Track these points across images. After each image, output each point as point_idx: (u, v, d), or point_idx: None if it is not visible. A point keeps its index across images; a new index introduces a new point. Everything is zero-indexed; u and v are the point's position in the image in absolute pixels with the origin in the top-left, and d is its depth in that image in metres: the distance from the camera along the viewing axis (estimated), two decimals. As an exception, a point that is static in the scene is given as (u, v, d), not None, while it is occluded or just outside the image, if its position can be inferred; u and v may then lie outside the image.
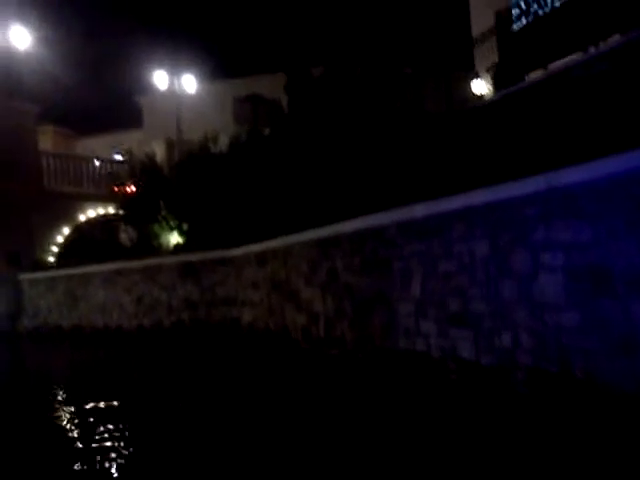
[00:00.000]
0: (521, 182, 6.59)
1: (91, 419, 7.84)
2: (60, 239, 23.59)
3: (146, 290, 17.60)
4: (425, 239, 8.25)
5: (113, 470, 5.66)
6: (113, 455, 6.07)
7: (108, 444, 6.51)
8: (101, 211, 24.51)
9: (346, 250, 10.30)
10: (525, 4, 21.34)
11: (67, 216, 24.11)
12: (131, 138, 29.41)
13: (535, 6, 21.17)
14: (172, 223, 19.56)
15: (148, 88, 30.00)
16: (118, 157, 24.37)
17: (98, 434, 6.92)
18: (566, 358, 6.01)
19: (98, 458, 5.98)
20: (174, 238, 19.65)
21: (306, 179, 13.51)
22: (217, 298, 15.73)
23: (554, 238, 6.13)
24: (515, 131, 9.78)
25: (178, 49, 29.92)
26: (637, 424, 5.27)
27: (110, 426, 7.20)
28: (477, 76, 22.73)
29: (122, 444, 6.50)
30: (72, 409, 8.69)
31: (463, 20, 24.40)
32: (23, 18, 23.59)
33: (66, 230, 23.80)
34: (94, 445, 6.50)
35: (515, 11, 21.47)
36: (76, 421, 7.90)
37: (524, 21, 21.37)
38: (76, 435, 7.21)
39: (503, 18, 22.31)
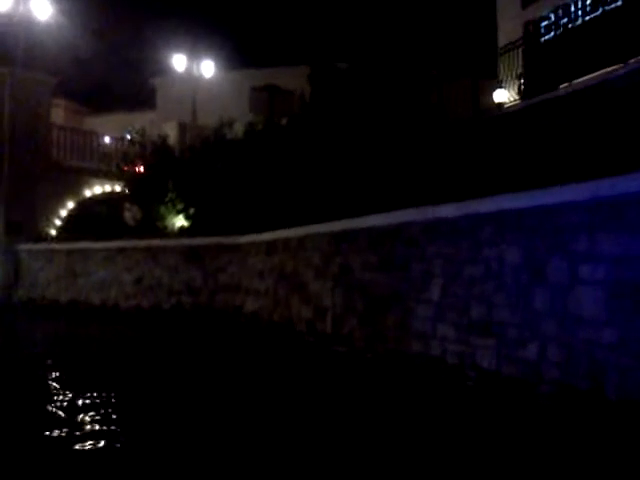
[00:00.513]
0: (563, 189, 6.31)
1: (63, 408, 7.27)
2: (64, 213, 23.23)
3: (147, 271, 17.31)
4: (451, 241, 7.97)
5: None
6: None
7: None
8: (107, 188, 24.16)
9: (362, 246, 10.02)
10: (555, 17, 21.11)
11: (73, 190, 23.75)
12: (142, 119, 29.01)
13: (565, 19, 20.95)
14: (179, 206, 19.27)
15: (164, 70, 29.73)
16: (129, 136, 23.97)
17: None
18: (599, 375, 5.73)
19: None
20: (179, 221, 19.36)
21: (324, 171, 13.23)
22: (220, 284, 15.44)
23: (597, 250, 5.85)
24: (547, 140, 9.52)
25: (198, 34, 29.51)
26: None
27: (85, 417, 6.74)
28: (500, 85, 22.54)
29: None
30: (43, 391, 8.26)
31: (491, 28, 24.20)
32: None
33: (71, 204, 23.44)
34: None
35: (544, 23, 21.26)
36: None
37: (553, 34, 21.15)
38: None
39: (531, 29, 22.10)
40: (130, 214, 21.72)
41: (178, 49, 27.50)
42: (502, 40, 23.40)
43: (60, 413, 6.76)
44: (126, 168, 21.63)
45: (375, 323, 9.39)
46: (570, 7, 20.03)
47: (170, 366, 10.19)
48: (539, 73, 19.60)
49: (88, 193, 24.08)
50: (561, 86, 16.01)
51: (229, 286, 15.29)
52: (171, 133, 24.06)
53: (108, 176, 23.40)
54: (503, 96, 21.97)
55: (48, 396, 7.58)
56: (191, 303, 15.97)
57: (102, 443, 5.65)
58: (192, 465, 5.20)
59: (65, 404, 7.18)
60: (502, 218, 7.15)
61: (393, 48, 17.40)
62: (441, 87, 16.62)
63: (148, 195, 19.97)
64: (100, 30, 31.76)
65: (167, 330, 14.90)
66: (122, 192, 22.47)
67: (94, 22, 31.48)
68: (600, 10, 18.34)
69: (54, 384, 8.48)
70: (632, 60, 12.35)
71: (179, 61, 26.78)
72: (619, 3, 17.93)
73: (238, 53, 30.26)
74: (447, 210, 8.09)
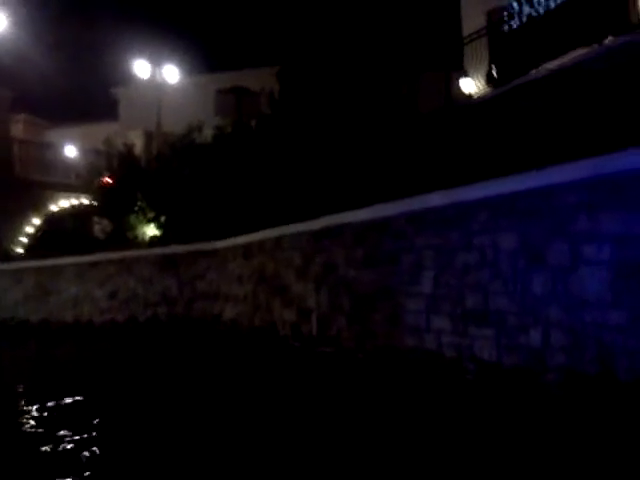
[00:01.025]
0: (561, 168, 6.05)
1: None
2: (30, 229, 22.54)
3: (121, 284, 16.77)
4: (440, 230, 7.69)
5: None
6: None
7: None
8: (74, 202, 23.52)
9: (346, 242, 9.70)
10: (518, 5, 21.08)
11: (38, 206, 23.08)
12: (106, 130, 28.36)
13: (527, 8, 20.95)
14: (150, 214, 18.78)
15: (126, 78, 29.11)
16: (94, 148, 23.38)
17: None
18: (608, 359, 5.48)
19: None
20: (151, 230, 18.86)
21: (299, 169, 12.90)
22: (198, 292, 14.98)
23: (599, 229, 5.60)
24: (524, 124, 9.35)
25: (159, 40, 29.03)
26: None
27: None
28: (466, 75, 22.41)
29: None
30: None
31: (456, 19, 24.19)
32: (-1, 0, 22.60)
33: (37, 220, 22.76)
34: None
35: (506, 12, 21.23)
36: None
37: (516, 22, 21.15)
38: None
39: (494, 18, 22.08)
40: (100, 227, 21.14)
41: (140, 55, 26.91)
42: (466, 29, 23.35)
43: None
44: (93, 180, 21.05)
45: (364, 321, 9.06)
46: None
47: (149, 381, 9.70)
48: (508, 58, 19.55)
49: (54, 208, 23.42)
50: (532, 71, 15.94)
51: (207, 293, 14.84)
52: (137, 142, 23.52)
53: (74, 189, 22.78)
54: (470, 85, 21.87)
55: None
56: (167, 314, 15.48)
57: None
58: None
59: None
60: (494, 203, 6.89)
61: (360, 44, 17.16)
62: (413, 80, 16.46)
63: (117, 206, 19.43)
64: (58, 41, 31.07)
65: (143, 343, 14.38)
66: (90, 205, 21.85)
67: (52, 34, 30.79)
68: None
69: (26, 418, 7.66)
70: (607, 40, 12.28)
71: (142, 68, 26.20)
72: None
73: (202, 57, 29.83)
74: (434, 199, 7.81)
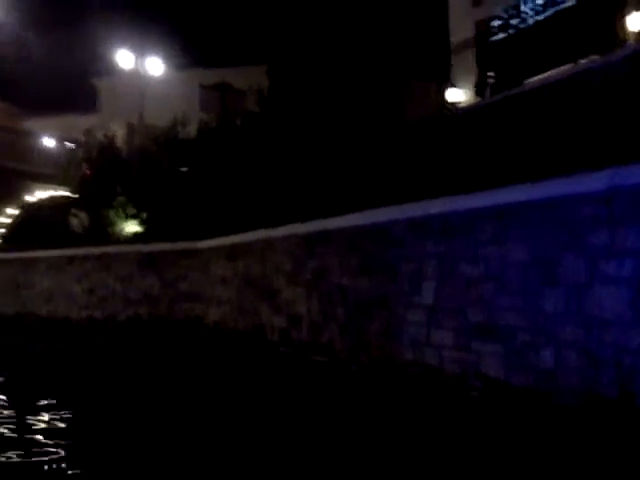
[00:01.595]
0: (577, 178, 5.77)
1: None
2: (5, 220, 21.87)
3: (99, 280, 16.29)
4: (443, 239, 7.38)
5: None
6: None
7: None
8: (51, 193, 22.87)
9: (340, 248, 9.37)
10: (507, 17, 21.04)
11: (12, 196, 22.41)
12: (86, 122, 27.73)
13: (516, 20, 20.90)
14: (130, 210, 18.24)
15: (108, 69, 28.43)
16: (73, 139, 22.79)
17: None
18: (629, 383, 5.20)
19: None
20: (132, 226, 18.32)
21: (288, 170, 12.53)
22: (180, 293, 14.56)
23: (620, 244, 5.33)
24: (517, 136, 9.11)
25: (143, 31, 28.32)
26: None
27: None
28: (452, 85, 22.31)
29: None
30: None
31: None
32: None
33: (12, 210, 22.09)
34: None
35: (495, 23, 21.15)
36: None
37: (502, 34, 21.13)
38: None
39: (482, 29, 21.99)
40: (77, 220, 20.49)
41: (123, 45, 26.23)
42: (454, 40, 23.24)
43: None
44: (72, 172, 20.47)
45: (359, 331, 8.73)
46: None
47: (129, 386, 9.27)
48: (498, 69, 19.53)
49: (31, 198, 22.77)
50: (525, 81, 15.81)
51: (190, 294, 14.43)
52: (119, 134, 22.94)
53: (53, 180, 22.15)
54: (457, 95, 21.80)
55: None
56: (149, 314, 15.02)
57: None
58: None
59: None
60: (503, 213, 6.59)
61: (350, 50, 16.87)
62: (401, 87, 16.35)
63: (96, 200, 18.87)
64: (38, 28, 30.30)
65: (123, 343, 13.90)
66: (68, 197, 21.24)
67: (31, 21, 30.00)
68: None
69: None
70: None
71: (125, 58, 25.53)
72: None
73: (187, 52, 29.15)
74: (437, 206, 7.50)
